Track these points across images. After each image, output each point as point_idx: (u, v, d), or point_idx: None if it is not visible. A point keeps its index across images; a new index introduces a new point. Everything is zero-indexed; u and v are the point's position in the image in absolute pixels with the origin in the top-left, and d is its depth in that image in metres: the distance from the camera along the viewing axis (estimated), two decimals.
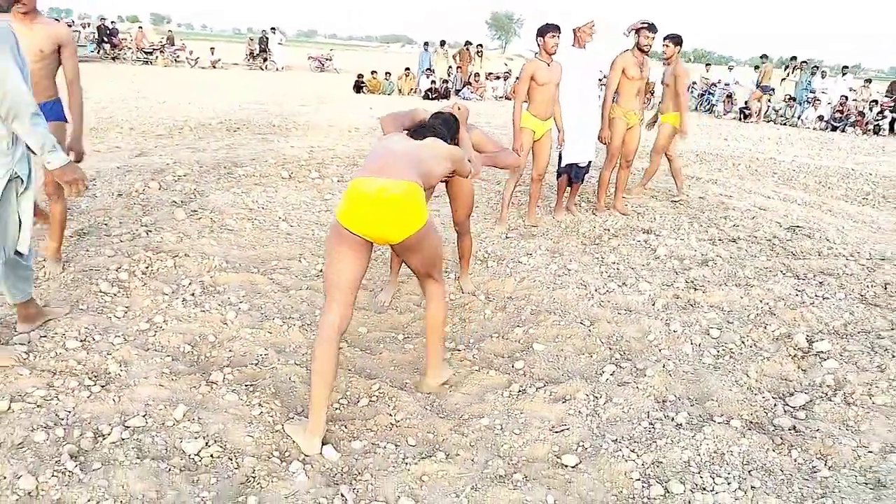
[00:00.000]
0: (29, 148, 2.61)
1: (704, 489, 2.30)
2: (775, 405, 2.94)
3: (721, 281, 4.51)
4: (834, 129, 15.86)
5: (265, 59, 25.88)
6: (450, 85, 19.46)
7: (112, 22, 25.13)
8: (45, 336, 3.02)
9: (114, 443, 2.32)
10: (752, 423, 2.79)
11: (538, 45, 5.32)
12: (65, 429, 2.37)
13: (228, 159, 7.48)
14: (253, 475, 2.23)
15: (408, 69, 19.92)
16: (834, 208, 7.42)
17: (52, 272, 3.72)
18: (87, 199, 5.41)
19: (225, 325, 3.31)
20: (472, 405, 2.82)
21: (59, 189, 3.51)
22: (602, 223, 5.82)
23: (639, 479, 2.35)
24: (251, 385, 2.78)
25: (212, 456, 2.30)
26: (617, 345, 3.48)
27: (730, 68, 20.11)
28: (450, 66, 20.41)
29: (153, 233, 4.64)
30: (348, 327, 3.02)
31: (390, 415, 2.67)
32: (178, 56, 24.75)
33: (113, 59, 22.60)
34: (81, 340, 3.01)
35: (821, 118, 16.26)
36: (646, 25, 5.75)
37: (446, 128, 3.10)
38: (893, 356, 3.37)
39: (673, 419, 2.74)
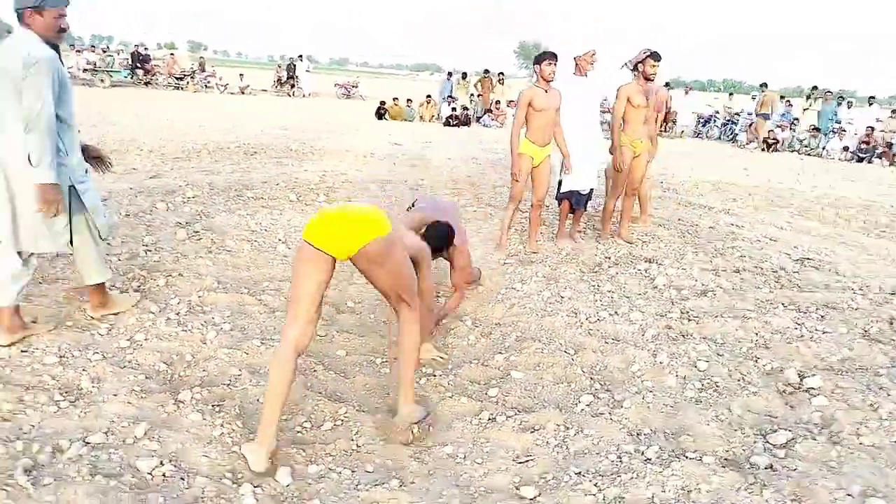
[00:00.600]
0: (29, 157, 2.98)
1: None
2: (755, 442, 2.84)
3: (718, 312, 4.41)
4: (860, 160, 15.56)
5: (292, 86, 26.43)
6: (470, 112, 19.61)
7: (145, 48, 25.93)
8: (25, 351, 3.08)
9: (70, 459, 2.33)
10: (726, 460, 2.69)
11: (535, 72, 5.35)
12: (25, 443, 2.39)
13: (240, 182, 7.60)
14: (202, 496, 2.22)
15: (429, 96, 20.16)
16: (849, 240, 7.24)
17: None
18: None
19: (203, 345, 3.33)
20: (438, 432, 2.78)
21: None
22: (604, 251, 5.76)
23: None
24: (217, 405, 2.79)
25: (164, 475, 2.30)
26: (598, 375, 3.41)
27: (753, 98, 19.90)
28: (471, 94, 20.59)
29: (152, 252, 4.72)
30: (329, 350, 3.01)
31: (352, 440, 2.64)
32: (208, 82, 25.41)
33: (146, 84, 23.31)
34: (60, 356, 3.06)
35: (846, 149, 15.99)
36: (649, 54, 5.74)
37: (437, 234, 3.37)
38: (889, 395, 3.25)
39: (643, 453, 2.66)
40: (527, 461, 2.60)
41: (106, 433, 2.51)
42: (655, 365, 3.53)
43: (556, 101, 5.36)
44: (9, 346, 3.06)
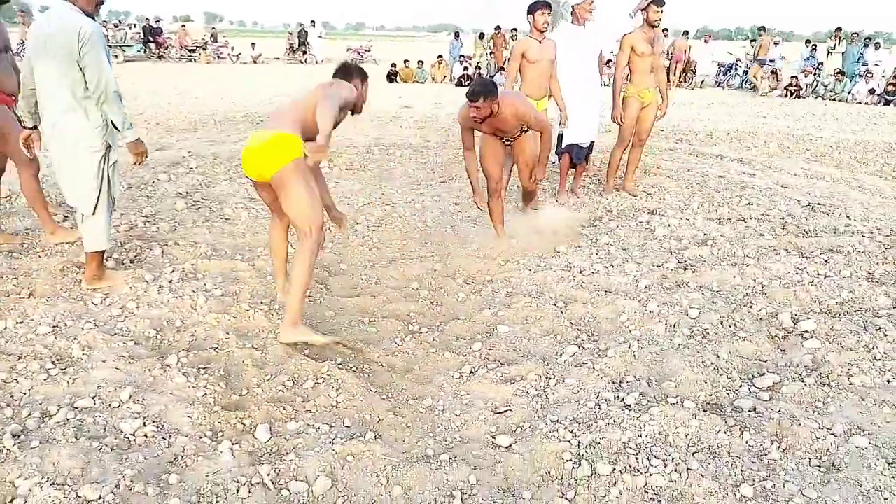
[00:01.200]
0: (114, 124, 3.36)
1: (638, 471, 2.23)
2: (741, 386, 2.82)
3: (716, 261, 4.34)
4: (887, 102, 15.01)
5: (304, 53, 26.21)
6: (483, 71, 19.30)
7: (157, 21, 25.88)
8: (20, 322, 3.16)
9: (58, 423, 2.41)
10: (709, 404, 2.68)
11: (528, 22, 5.22)
12: (14, 409, 2.47)
13: None
14: (182, 453, 2.28)
15: (440, 57, 19.88)
16: (864, 184, 7.04)
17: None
18: None
19: (193, 311, 3.38)
20: (418, 386, 2.81)
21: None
22: (606, 205, 5.69)
23: (570, 460, 2.29)
24: (203, 368, 2.84)
25: (146, 436, 2.37)
26: (586, 326, 3.40)
27: (775, 43, 19.20)
28: (482, 54, 20.24)
29: (150, 223, 4.78)
30: (317, 312, 3.12)
31: (331, 396, 2.68)
32: (220, 53, 25.31)
33: (159, 57, 23.33)
34: (53, 326, 3.14)
35: (872, 92, 15.41)
36: (655, 0, 5.55)
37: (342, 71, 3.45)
38: (886, 335, 3.19)
39: (622, 400, 2.66)
40: (505, 411, 2.62)
41: (93, 398, 2.58)
42: (645, 314, 3.50)
43: (550, 53, 5.24)
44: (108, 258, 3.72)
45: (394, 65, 19.32)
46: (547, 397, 2.71)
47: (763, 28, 19.47)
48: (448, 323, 3.42)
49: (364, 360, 3.00)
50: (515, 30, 21.40)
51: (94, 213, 3.45)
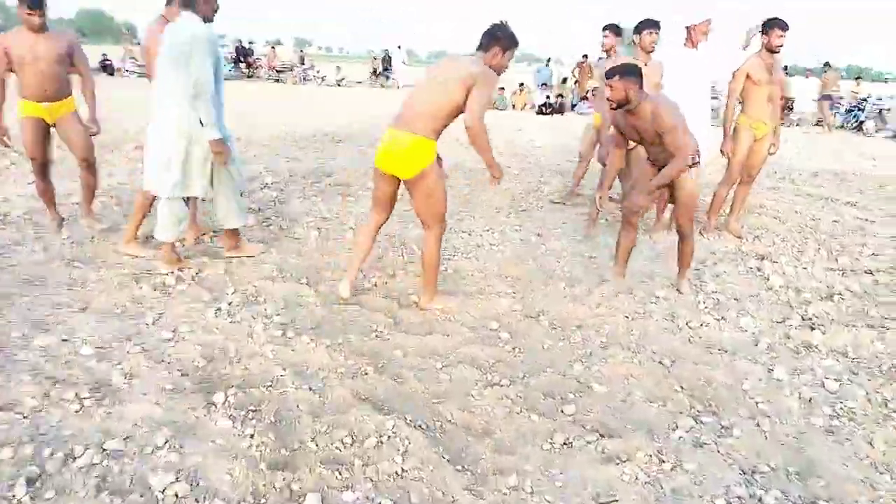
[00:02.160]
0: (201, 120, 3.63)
1: None
2: None
3: (848, 320, 3.70)
4: None
5: (387, 77, 26.49)
6: (566, 100, 18.82)
7: (249, 43, 26.78)
8: (66, 339, 2.90)
9: (80, 468, 2.07)
10: None
11: (634, 42, 4.75)
12: (36, 445, 2.15)
13: (320, 170, 7.42)
14: None
15: (522, 84, 19.55)
16: None
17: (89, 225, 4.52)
18: None
19: (249, 339, 3.04)
20: (500, 456, 2.32)
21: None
22: (708, 246, 5.08)
23: None
24: (253, 410, 2.46)
25: (176, 495, 1.99)
26: (701, 393, 2.84)
27: (885, 81, 17.88)
28: (564, 79, 19.80)
29: (218, 238, 4.54)
30: (383, 350, 2.73)
31: (396, 461, 2.23)
32: (306, 75, 25.94)
33: (248, 77, 24.07)
34: (97, 348, 2.85)
35: None
36: (776, 23, 4.97)
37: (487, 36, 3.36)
38: None
39: (760, 500, 2.11)
40: (609, 502, 2.10)
41: (125, 440, 2.23)
42: (772, 383, 2.91)
43: (655, 75, 4.74)
44: (169, 273, 3.76)
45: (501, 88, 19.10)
46: (661, 486, 2.18)
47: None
48: (533, 375, 2.92)
49: (435, 416, 2.54)
50: (586, 56, 20.84)
51: (168, 199, 3.71)
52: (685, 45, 5.11)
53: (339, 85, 25.70)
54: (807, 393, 2.83)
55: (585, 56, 19.57)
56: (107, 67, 23.19)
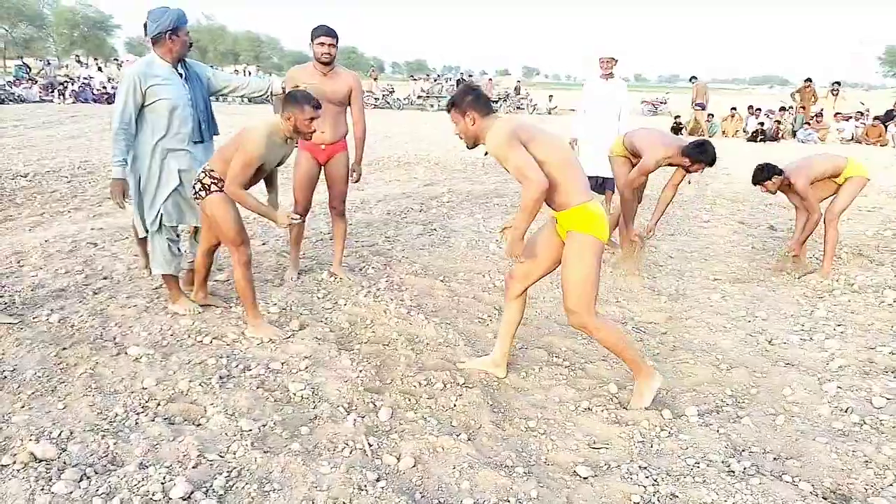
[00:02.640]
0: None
1: None
2: (891, 484, 2.44)
3: None
4: None
5: (704, 108, 26.85)
6: (783, 126, 17.71)
7: (469, 75, 29.11)
8: (275, 303, 4.14)
9: (251, 376, 3.19)
10: (832, 492, 2.40)
11: None
12: (228, 360, 3.33)
13: (494, 191, 8.40)
14: (319, 415, 2.86)
15: (734, 109, 18.79)
16: None
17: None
18: (363, 213, 6.80)
19: (383, 314, 4.04)
20: (531, 409, 3.00)
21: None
22: (851, 278, 5.02)
23: (637, 503, 2.30)
24: (367, 357, 3.44)
25: (302, 396, 3.01)
26: (742, 393, 3.19)
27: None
28: (782, 107, 18.58)
29: (390, 242, 5.70)
30: (485, 334, 3.52)
31: (451, 399, 3.03)
32: (520, 103, 27.45)
33: None
34: (282, 308, 4.06)
35: None
36: None
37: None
38: None
39: (728, 465, 2.53)
40: (600, 448, 2.68)
41: (283, 363, 3.33)
42: (816, 393, 3.16)
43: None
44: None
45: (677, 117, 18.85)
46: (651, 446, 2.69)
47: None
48: (593, 363, 3.51)
49: (497, 380, 3.28)
50: (838, 83, 19.27)
51: (143, 238, 3.96)
52: None
53: (549, 113, 26.75)
54: (846, 404, 3.03)
55: (809, 80, 18.25)
56: None
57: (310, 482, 2.35)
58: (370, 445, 2.63)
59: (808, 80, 18.44)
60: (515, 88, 29.81)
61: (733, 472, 2.49)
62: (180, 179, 3.79)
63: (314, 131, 3.51)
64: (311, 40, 4.37)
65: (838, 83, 19.45)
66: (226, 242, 3.64)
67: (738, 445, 2.71)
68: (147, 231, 3.85)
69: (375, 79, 28.84)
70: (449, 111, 3.10)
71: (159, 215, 3.79)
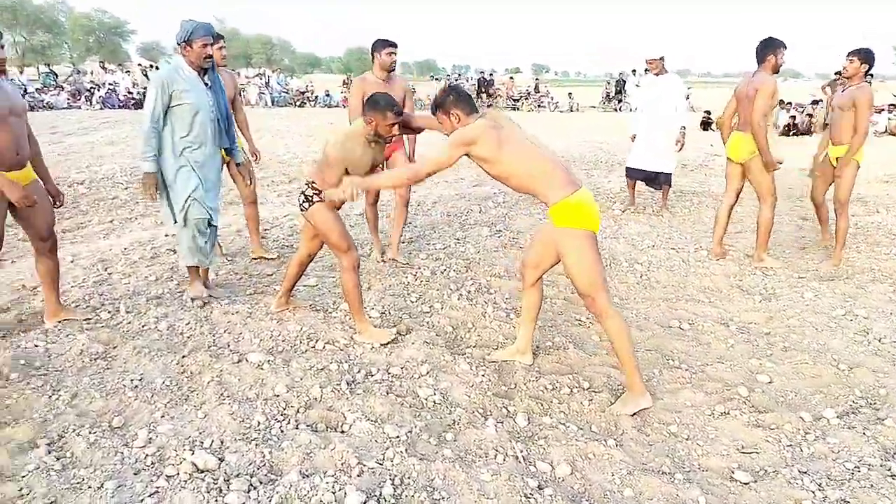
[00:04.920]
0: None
1: None
2: None
3: None
4: None
5: (619, 101, 26.87)
6: (815, 119, 17.55)
7: (490, 75, 29.06)
8: (365, 306, 4.13)
9: (376, 381, 3.19)
10: None
11: None
12: (350, 365, 3.33)
13: None
14: (457, 421, 2.85)
15: None
16: None
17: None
18: (424, 215, 6.80)
19: (483, 317, 4.03)
20: (667, 413, 2.98)
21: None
22: None
23: None
24: (483, 361, 3.43)
25: (434, 402, 3.00)
26: (872, 394, 3.16)
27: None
28: (814, 100, 18.41)
29: (460, 244, 5.69)
30: (589, 337, 3.50)
31: (583, 403, 3.01)
32: (541, 102, 27.42)
33: (488, 106, 26.20)
34: (381, 313, 4.06)
35: None
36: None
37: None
38: None
39: (890, 468, 2.49)
40: (751, 452, 2.66)
41: (402, 368, 3.33)
42: None
43: None
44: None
45: (707, 112, 18.72)
46: (801, 450, 2.66)
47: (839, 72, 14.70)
48: (711, 365, 3.48)
49: (619, 383, 3.26)
50: (871, 75, 19.03)
51: (176, 226, 4.08)
52: None
53: (571, 110, 26.69)
54: None
55: (838, 73, 18.04)
56: None
57: (475, 490, 2.34)
58: (520, 452, 2.62)
59: (838, 72, 18.23)
60: (535, 87, 29.77)
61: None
62: (199, 177, 4.01)
63: (395, 135, 3.56)
64: (377, 51, 4.84)
65: (871, 74, 19.24)
66: (333, 249, 3.67)
67: (888, 448, 2.68)
68: (175, 222, 4.04)
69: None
70: (434, 113, 3.23)
71: (186, 208, 3.98)
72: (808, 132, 16.93)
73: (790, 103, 18.53)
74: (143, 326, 3.74)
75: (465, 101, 3.16)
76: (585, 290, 2.99)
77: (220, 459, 2.48)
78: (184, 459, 2.47)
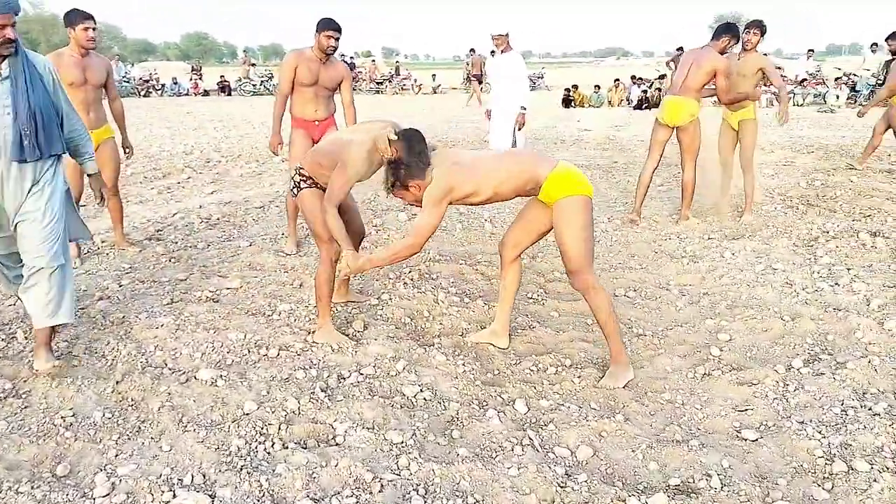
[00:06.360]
0: None
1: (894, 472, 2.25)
2: None
3: None
4: None
5: (481, 81, 27.36)
6: (664, 93, 18.94)
7: (351, 57, 28.42)
8: (307, 305, 3.80)
9: (352, 384, 2.92)
10: None
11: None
12: (317, 371, 3.03)
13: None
14: (457, 416, 2.67)
15: (617, 80, 19.82)
16: None
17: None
18: None
19: (436, 304, 3.85)
20: (654, 381, 2.99)
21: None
22: (821, 225, 5.47)
23: (822, 457, 2.36)
24: (457, 350, 3.26)
25: (425, 399, 2.79)
26: (818, 340, 3.38)
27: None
28: (661, 75, 19.86)
29: (380, 231, 5.43)
30: (542, 312, 3.42)
31: (574, 381, 2.95)
32: (404, 84, 27.24)
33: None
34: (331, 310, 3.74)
35: None
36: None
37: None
38: None
39: (870, 409, 2.66)
40: (746, 409, 2.72)
41: (374, 367, 3.08)
42: (883, 333, 3.40)
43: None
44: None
45: (567, 90, 19.60)
46: (787, 401, 2.77)
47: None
48: (671, 329, 3.56)
49: (598, 357, 3.24)
50: (681, 48, 20.80)
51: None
52: None
53: (434, 92, 26.81)
54: None
55: (680, 48, 19.59)
56: (224, 88, 25.41)
57: (507, 487, 2.19)
58: (531, 440, 2.50)
59: (680, 48, 19.77)
60: (395, 69, 29.53)
61: (878, 414, 2.62)
62: None
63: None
64: (318, 31, 4.50)
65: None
66: (315, 238, 3.43)
67: (857, 389, 2.86)
68: None
69: (253, 64, 27.47)
70: (391, 193, 3.06)
71: None
72: (657, 104, 18.22)
73: (641, 79, 19.82)
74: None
75: (416, 163, 2.91)
76: (576, 265, 2.92)
77: (210, 496, 2.13)
78: (166, 503, 2.09)
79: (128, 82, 25.23)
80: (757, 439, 2.51)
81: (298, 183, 3.34)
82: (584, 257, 2.90)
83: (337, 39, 4.50)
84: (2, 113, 2.70)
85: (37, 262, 2.82)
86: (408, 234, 3.01)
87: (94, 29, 4.36)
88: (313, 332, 3.41)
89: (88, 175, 3.24)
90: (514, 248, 3.23)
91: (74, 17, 4.29)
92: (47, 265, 2.83)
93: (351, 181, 3.12)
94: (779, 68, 6.41)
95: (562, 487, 2.20)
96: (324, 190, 3.25)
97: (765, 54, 6.05)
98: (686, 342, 3.40)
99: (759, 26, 5.42)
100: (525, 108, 6.70)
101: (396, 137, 2.97)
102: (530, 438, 2.49)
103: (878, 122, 7.55)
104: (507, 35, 6.60)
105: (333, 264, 3.36)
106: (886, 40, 7.78)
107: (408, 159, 2.91)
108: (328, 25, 4.45)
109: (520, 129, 6.77)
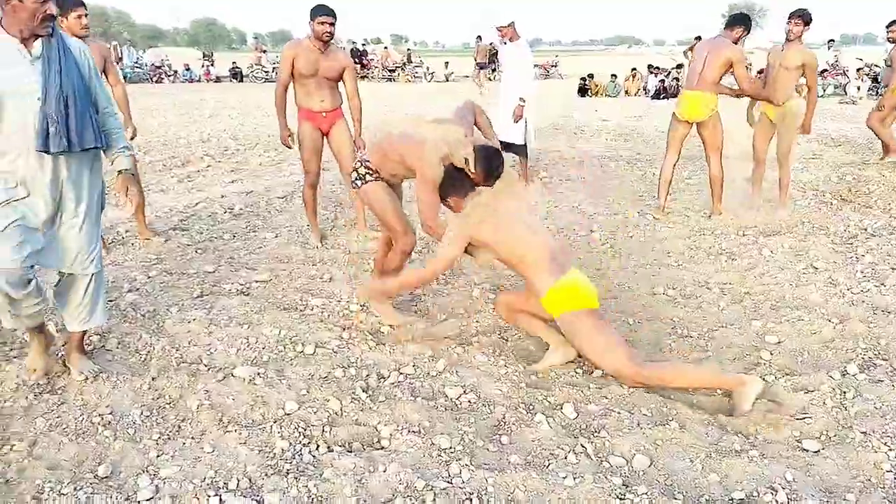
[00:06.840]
0: None
1: None
2: None
3: None
4: None
5: (493, 70, 27.10)
6: (682, 83, 18.69)
7: (362, 44, 28.22)
8: (339, 300, 3.72)
9: (393, 384, 2.84)
10: None
11: None
12: (356, 370, 2.95)
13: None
14: (504, 420, 2.59)
15: (634, 69, 19.57)
16: None
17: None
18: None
19: (472, 300, 3.76)
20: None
21: None
22: (858, 222, 5.33)
23: (890, 471, 2.26)
24: (496, 349, 3.17)
25: (470, 402, 2.71)
26: (871, 345, 3.26)
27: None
28: (678, 64, 19.59)
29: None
30: None
31: (623, 386, 2.85)
32: (416, 72, 27.02)
33: (362, 77, 25.42)
34: (362, 304, 3.66)
35: None
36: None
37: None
38: None
39: None
40: (804, 418, 2.62)
41: (413, 366, 2.99)
42: None
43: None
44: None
45: (583, 79, 19.37)
46: (847, 409, 2.67)
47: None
48: (717, 330, 3.46)
49: (645, 360, 3.14)
50: (699, 37, 20.48)
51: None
52: None
53: (447, 80, 26.58)
54: None
55: (699, 37, 19.30)
56: (236, 74, 25.31)
57: (564, 498, 2.11)
58: (584, 448, 2.40)
59: (698, 37, 19.48)
60: (408, 57, 29.29)
61: None
62: (17, 210, 2.49)
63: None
64: (311, 19, 4.40)
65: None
66: (387, 231, 3.48)
67: None
68: None
69: (265, 51, 27.34)
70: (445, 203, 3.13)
71: None
72: (675, 94, 17.97)
73: (658, 68, 19.55)
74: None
75: (460, 184, 3.04)
76: (615, 371, 2.82)
77: (258, 502, 2.06)
78: None
79: (140, 68, 25.18)
80: (819, 451, 2.41)
81: (363, 175, 3.32)
82: (617, 360, 2.76)
83: (332, 25, 4.36)
84: (31, 97, 2.43)
85: (74, 269, 2.70)
86: (428, 260, 3.05)
87: (86, 16, 4.16)
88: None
89: (119, 171, 2.76)
90: (510, 311, 3.18)
91: (66, 4, 4.10)
92: (84, 273, 2.72)
93: (434, 187, 3.09)
94: None
95: (621, 500, 2.11)
96: (387, 182, 3.33)
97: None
98: (734, 345, 3.29)
99: (801, 15, 5.24)
100: (524, 101, 6.32)
101: (475, 154, 2.95)
102: (583, 446, 2.40)
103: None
104: (511, 25, 6.30)
105: (408, 255, 3.44)
106: (887, 27, 7.53)
107: (456, 176, 3.03)
108: (321, 11, 4.34)
109: (515, 122, 6.44)
